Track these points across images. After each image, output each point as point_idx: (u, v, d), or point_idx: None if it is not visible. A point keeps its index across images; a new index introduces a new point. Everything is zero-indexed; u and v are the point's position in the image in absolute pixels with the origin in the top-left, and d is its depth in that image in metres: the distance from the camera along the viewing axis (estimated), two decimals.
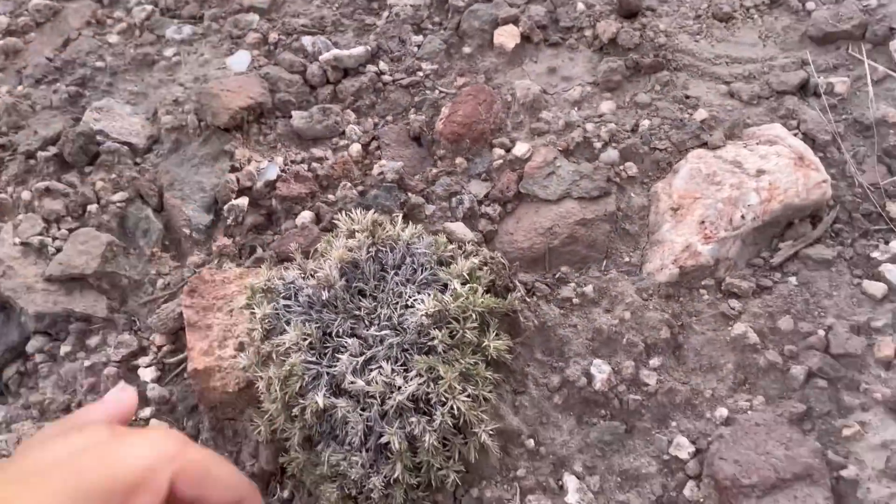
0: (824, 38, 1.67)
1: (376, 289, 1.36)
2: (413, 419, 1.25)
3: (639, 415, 1.34)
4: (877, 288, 1.38)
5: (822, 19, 1.67)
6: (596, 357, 1.38)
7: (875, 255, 1.42)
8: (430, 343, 1.27)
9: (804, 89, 1.62)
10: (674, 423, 1.34)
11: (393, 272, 1.36)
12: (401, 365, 1.28)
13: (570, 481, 1.30)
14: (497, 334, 1.33)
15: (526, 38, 1.72)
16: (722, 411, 1.32)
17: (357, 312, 1.34)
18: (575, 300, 1.44)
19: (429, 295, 1.29)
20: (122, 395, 0.75)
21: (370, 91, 1.70)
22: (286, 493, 1.36)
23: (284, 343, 1.29)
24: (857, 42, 1.66)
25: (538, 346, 1.40)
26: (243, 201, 1.57)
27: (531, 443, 1.34)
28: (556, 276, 1.47)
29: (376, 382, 1.26)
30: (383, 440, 1.25)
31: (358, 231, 1.38)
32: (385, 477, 1.26)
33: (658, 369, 1.37)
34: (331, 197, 1.56)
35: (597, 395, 1.35)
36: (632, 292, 1.42)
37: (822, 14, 1.68)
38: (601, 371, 1.35)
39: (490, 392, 1.30)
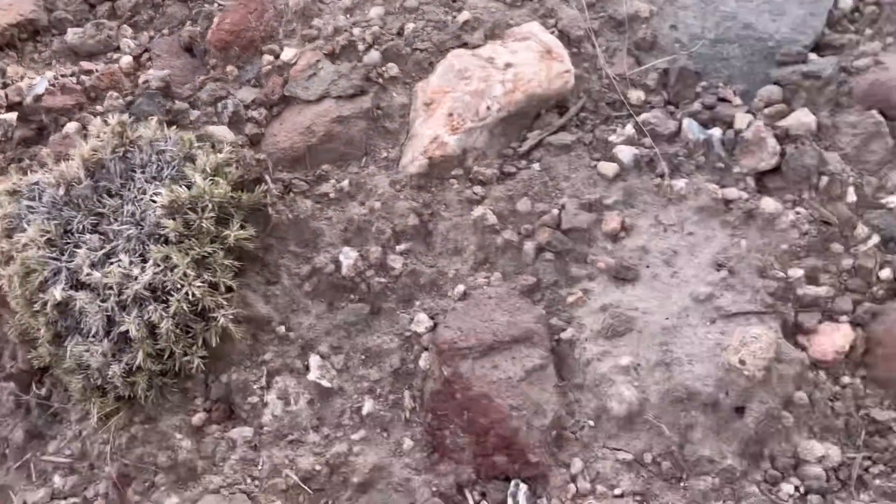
0: None
1: (123, 187, 1.39)
2: (151, 307, 1.28)
3: (385, 297, 1.40)
4: (610, 168, 1.45)
5: None
6: (347, 246, 1.43)
7: (612, 138, 1.49)
8: (165, 233, 1.30)
9: None
10: (418, 303, 1.40)
11: (140, 171, 1.39)
12: (139, 256, 1.32)
13: (313, 361, 1.36)
14: (242, 226, 1.37)
15: None
16: (460, 288, 1.39)
17: (101, 210, 1.37)
18: (332, 195, 1.48)
19: (167, 187, 1.33)
20: None
21: (148, 6, 1.71)
22: (44, 391, 1.39)
23: (22, 240, 1.31)
24: None
25: (292, 238, 1.44)
26: (12, 116, 1.57)
27: (282, 329, 1.39)
28: (317, 173, 1.51)
29: (113, 274, 1.29)
30: (123, 329, 1.29)
31: (104, 133, 1.40)
32: (127, 364, 1.29)
33: (405, 254, 1.43)
34: (98, 108, 1.57)
35: (345, 280, 1.40)
36: (385, 184, 1.48)
37: None
38: (348, 257, 1.41)
39: (232, 280, 1.35)
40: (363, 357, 1.36)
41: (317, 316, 1.40)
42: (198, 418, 1.33)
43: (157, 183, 1.36)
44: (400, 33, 1.62)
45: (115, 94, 1.57)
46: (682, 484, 1.21)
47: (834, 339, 1.30)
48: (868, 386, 1.30)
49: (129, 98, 1.58)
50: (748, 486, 1.21)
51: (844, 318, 1.33)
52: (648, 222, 1.42)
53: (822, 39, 1.55)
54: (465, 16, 1.62)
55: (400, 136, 1.55)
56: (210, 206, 1.32)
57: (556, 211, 1.42)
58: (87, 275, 1.29)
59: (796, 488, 1.21)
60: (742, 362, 1.23)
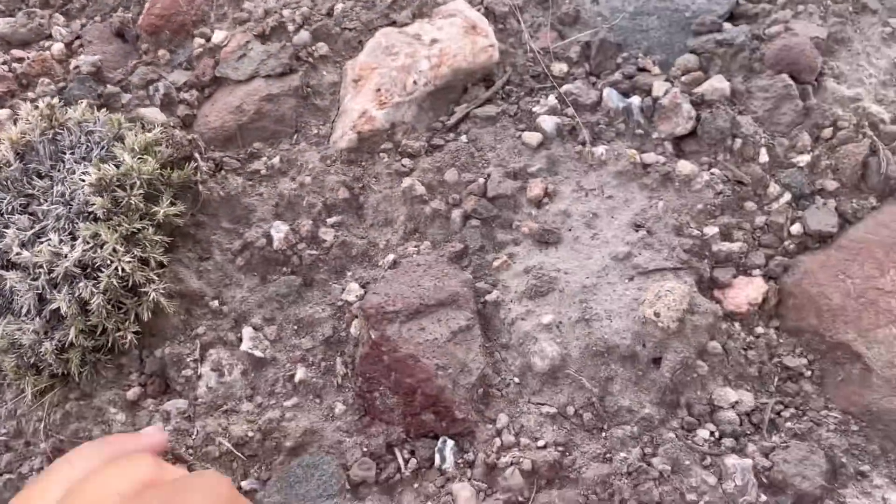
0: None
1: (53, 169, 1.40)
2: (81, 284, 1.30)
3: (316, 268, 1.43)
4: (533, 137, 1.50)
5: None
6: (278, 220, 1.46)
7: (536, 109, 1.53)
8: (93, 209, 1.32)
9: None
10: (349, 273, 1.43)
11: (70, 152, 1.41)
12: (69, 234, 1.34)
13: (246, 333, 1.38)
14: (172, 202, 1.39)
15: None
16: (390, 257, 1.42)
17: (31, 191, 1.38)
18: (264, 172, 1.51)
19: (95, 166, 1.34)
20: (157, 433, 0.83)
21: None
22: None
23: None
24: None
25: (224, 215, 1.47)
26: None
27: (215, 303, 1.42)
28: (249, 151, 1.54)
29: (43, 252, 1.31)
30: (54, 306, 1.30)
31: (33, 117, 1.41)
32: (59, 341, 1.31)
33: (337, 226, 1.46)
34: (30, 94, 1.59)
35: (276, 253, 1.43)
36: (316, 160, 1.51)
37: None
38: (279, 231, 1.43)
39: (163, 255, 1.37)
40: (295, 327, 1.39)
41: (249, 289, 1.42)
42: (133, 393, 1.35)
43: (87, 163, 1.38)
44: (329, 14, 1.65)
45: (47, 80, 1.58)
46: (602, 434, 1.26)
47: (748, 291, 1.36)
48: (780, 335, 1.36)
49: (62, 84, 1.59)
50: (666, 433, 1.25)
51: (757, 271, 1.38)
52: (570, 188, 1.46)
53: (736, 9, 1.61)
54: None
55: (331, 114, 1.58)
56: (139, 183, 1.34)
57: (482, 180, 1.46)
58: (17, 254, 1.31)
59: (711, 433, 1.26)
60: (657, 315, 1.27)
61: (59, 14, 1.71)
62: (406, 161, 1.50)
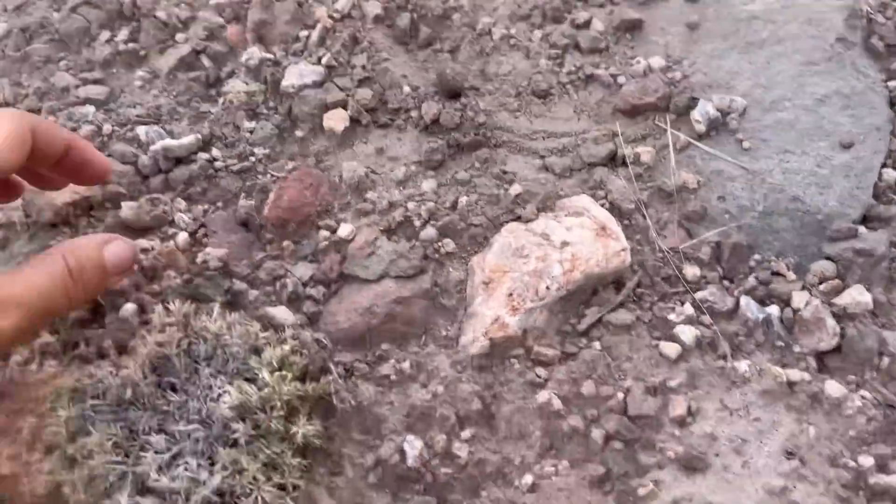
0: (633, 110, 1.78)
1: (187, 382, 1.38)
2: None
3: (451, 488, 1.38)
4: (672, 349, 1.46)
5: (630, 93, 1.78)
6: (410, 433, 1.42)
7: (671, 317, 1.50)
8: (234, 436, 1.29)
9: (613, 160, 1.72)
10: (484, 493, 1.38)
11: (205, 364, 1.39)
12: (207, 458, 1.30)
13: None
14: (308, 419, 1.36)
15: (355, 120, 1.78)
16: (528, 478, 1.37)
17: (166, 408, 1.36)
18: (393, 377, 1.48)
19: (235, 387, 1.32)
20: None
21: (202, 178, 1.74)
22: None
23: (87, 445, 1.29)
24: (662, 113, 1.77)
25: (355, 426, 1.43)
26: None
27: None
28: (377, 353, 1.51)
29: (181, 478, 1.27)
30: None
31: (169, 325, 1.40)
32: None
33: (470, 440, 1.41)
34: (156, 287, 1.58)
35: (410, 471, 1.38)
36: (446, 366, 1.48)
37: (630, 88, 1.79)
38: (413, 447, 1.39)
39: (300, 479, 1.33)
40: None
41: None
42: None
43: (223, 377, 1.36)
44: (454, 207, 1.65)
45: (173, 273, 1.58)
46: None
47: None
48: None
49: (187, 277, 1.58)
50: None
51: None
52: (714, 406, 1.41)
53: (869, 211, 1.59)
54: (516, 188, 1.66)
55: (457, 313, 1.56)
56: (279, 404, 1.31)
57: (621, 395, 1.42)
58: (155, 480, 1.27)
59: None
60: None
61: (181, 199, 1.72)
62: (540, 370, 1.46)
